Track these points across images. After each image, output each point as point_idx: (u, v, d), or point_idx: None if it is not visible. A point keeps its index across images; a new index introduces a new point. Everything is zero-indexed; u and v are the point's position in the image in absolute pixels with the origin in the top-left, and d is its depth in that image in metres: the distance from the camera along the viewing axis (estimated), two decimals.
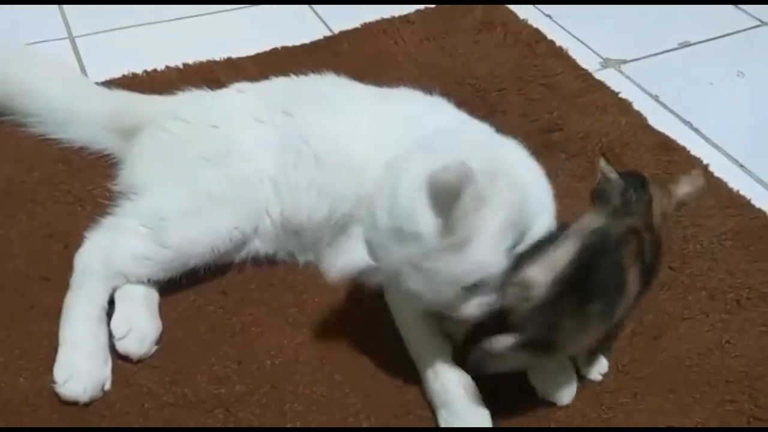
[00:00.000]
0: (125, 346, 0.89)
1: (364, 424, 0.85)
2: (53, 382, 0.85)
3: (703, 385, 0.91)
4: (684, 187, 0.89)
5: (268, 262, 1.02)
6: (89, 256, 0.93)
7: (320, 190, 0.96)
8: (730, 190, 1.20)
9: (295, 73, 1.10)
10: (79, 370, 0.85)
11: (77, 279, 0.92)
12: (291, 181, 0.97)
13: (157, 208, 0.94)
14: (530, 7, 1.66)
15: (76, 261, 0.93)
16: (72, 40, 1.46)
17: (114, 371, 0.88)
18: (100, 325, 0.90)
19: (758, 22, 1.69)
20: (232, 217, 0.95)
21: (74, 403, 0.84)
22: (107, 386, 0.87)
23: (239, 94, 1.06)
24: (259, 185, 0.97)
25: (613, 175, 0.85)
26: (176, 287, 0.96)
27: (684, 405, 0.89)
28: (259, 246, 1.00)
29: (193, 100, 1.08)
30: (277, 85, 1.09)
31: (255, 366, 0.90)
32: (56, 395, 0.84)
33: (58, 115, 1.11)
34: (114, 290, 0.93)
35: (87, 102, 1.11)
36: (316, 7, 1.62)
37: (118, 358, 0.89)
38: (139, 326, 0.90)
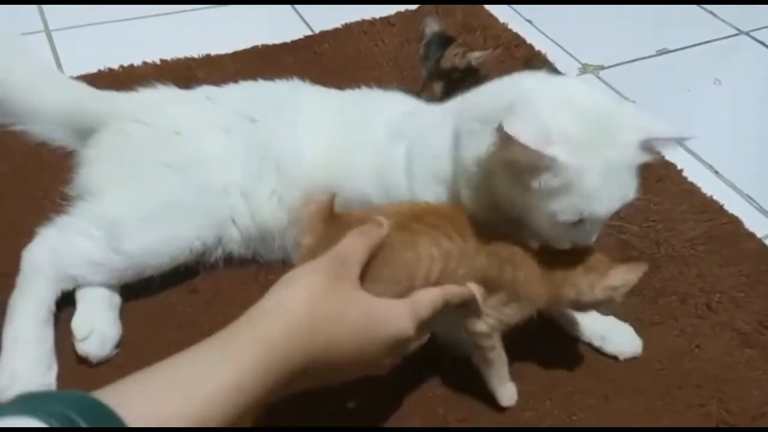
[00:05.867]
0: (86, 348, 0.85)
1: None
2: None
3: (673, 389, 0.91)
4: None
5: (241, 261, 1.00)
6: (39, 254, 0.88)
7: (281, 198, 0.94)
8: (703, 196, 1.21)
9: (275, 72, 1.09)
10: (21, 376, 0.80)
11: (24, 277, 0.87)
12: (256, 189, 0.94)
13: (112, 212, 0.89)
14: (510, 11, 1.66)
15: (24, 258, 0.88)
16: (48, 33, 1.44)
17: (75, 370, 0.85)
18: (46, 328, 0.85)
19: (736, 31, 1.72)
20: (193, 226, 0.92)
21: None
22: None
23: (206, 101, 1.01)
24: (225, 195, 0.94)
25: None
26: (146, 285, 0.93)
27: (653, 408, 0.89)
28: (232, 247, 0.98)
29: (154, 102, 1.01)
30: (244, 90, 1.04)
31: None
32: None
33: (16, 106, 1.02)
34: (64, 292, 0.88)
35: (44, 94, 1.03)
36: (297, 6, 1.62)
37: (75, 358, 0.86)
38: (102, 328, 0.87)
